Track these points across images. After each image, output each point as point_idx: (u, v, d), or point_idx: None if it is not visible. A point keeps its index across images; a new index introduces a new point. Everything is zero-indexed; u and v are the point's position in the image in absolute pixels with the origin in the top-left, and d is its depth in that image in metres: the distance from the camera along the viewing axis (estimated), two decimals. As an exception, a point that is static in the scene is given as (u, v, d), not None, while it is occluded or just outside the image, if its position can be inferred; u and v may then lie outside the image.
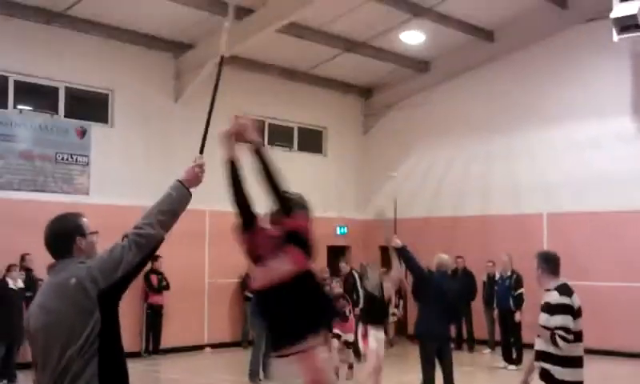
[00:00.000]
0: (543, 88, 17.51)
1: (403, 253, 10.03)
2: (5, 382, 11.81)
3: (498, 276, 15.34)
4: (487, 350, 16.41)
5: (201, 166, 3.79)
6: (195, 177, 3.76)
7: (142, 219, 3.55)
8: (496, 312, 15.11)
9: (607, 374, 13.03)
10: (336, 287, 12.96)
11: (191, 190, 3.79)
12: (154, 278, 15.26)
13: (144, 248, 3.50)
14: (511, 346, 14.44)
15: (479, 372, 14.48)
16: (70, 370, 3.36)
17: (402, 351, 16.82)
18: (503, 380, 12.67)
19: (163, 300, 15.49)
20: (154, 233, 3.53)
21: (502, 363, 14.41)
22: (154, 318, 15.47)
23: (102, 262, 3.47)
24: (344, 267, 15.95)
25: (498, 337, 15.87)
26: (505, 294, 14.70)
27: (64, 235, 3.57)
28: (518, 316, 14.21)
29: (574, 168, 16.83)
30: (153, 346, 15.49)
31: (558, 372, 5.97)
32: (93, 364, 3.37)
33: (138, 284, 14.62)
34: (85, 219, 3.68)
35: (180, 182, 3.70)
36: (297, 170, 18.93)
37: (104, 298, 3.40)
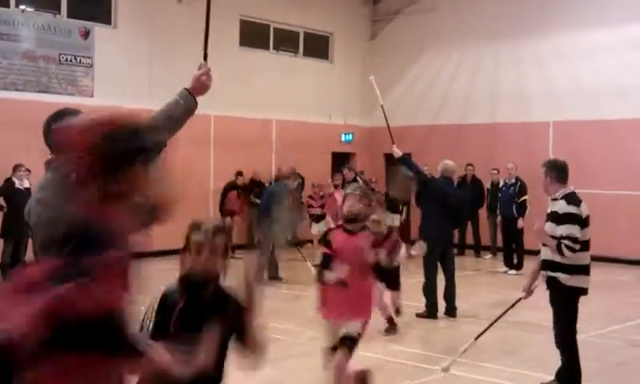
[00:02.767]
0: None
1: (404, 161, 10.03)
2: (14, 278, 12.04)
3: (502, 183, 15.36)
4: (489, 256, 16.62)
5: (207, 73, 3.70)
6: (202, 85, 3.68)
7: (148, 122, 3.53)
8: (499, 218, 15.21)
9: (612, 281, 13.20)
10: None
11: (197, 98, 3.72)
12: (233, 194, 15.49)
13: None
14: (513, 251, 14.60)
15: (481, 276, 14.69)
16: None
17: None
18: (503, 284, 12.86)
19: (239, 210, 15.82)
20: (159, 138, 3.49)
21: (503, 268, 14.61)
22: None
23: None
24: (347, 174, 15.98)
25: (499, 243, 16.07)
26: (509, 201, 14.76)
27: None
28: (520, 223, 14.30)
29: (583, 76, 16.62)
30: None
31: (564, 278, 5.99)
32: None
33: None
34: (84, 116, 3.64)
35: (187, 90, 3.63)
36: (302, 77, 18.85)
37: None
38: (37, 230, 3.51)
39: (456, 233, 13.93)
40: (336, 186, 16.12)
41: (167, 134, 3.54)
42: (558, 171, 6.21)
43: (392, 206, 16.35)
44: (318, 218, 16.63)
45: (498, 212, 15.31)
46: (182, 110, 3.59)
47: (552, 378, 6.44)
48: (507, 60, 17.95)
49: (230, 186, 15.83)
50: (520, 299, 6.59)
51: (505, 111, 17.86)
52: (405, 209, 17.26)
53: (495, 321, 6.96)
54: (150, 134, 3.44)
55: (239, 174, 15.88)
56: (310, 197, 17.20)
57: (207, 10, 3.91)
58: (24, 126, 12.61)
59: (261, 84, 17.64)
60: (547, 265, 6.11)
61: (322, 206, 16.76)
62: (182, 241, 3.26)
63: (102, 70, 14.92)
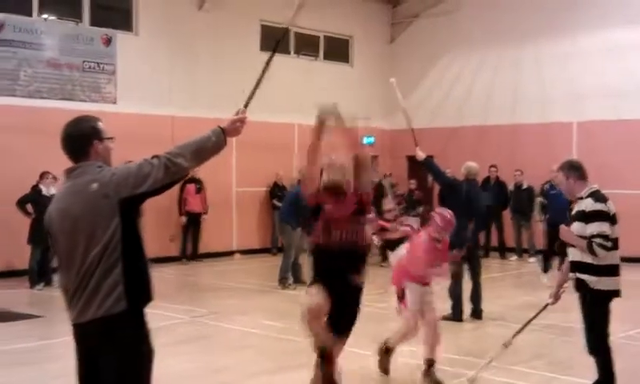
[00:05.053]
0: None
1: (427, 165, 9.97)
2: (42, 284, 12.17)
3: (547, 187, 14.68)
4: (514, 257, 16.50)
5: (243, 121, 3.77)
6: (236, 130, 3.76)
7: (177, 148, 3.55)
8: (543, 224, 14.59)
9: (638, 282, 13.04)
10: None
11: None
12: (191, 188, 15.40)
13: (171, 175, 3.50)
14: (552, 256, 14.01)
15: (507, 278, 14.61)
16: (95, 274, 3.41)
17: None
18: (529, 286, 12.77)
19: (201, 207, 15.69)
20: (185, 165, 3.53)
21: (542, 275, 14.03)
22: (192, 225, 15.74)
23: (128, 173, 3.47)
24: (373, 175, 15.93)
25: (525, 244, 16.00)
26: (561, 206, 14.02)
27: (81, 137, 3.57)
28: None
29: (605, 75, 16.48)
30: (192, 251, 15.81)
31: (593, 282, 5.78)
32: (117, 269, 3.41)
33: (174, 193, 14.81)
34: (101, 123, 3.66)
35: (222, 129, 3.67)
36: (323, 80, 18.85)
37: (123, 205, 3.42)
38: (58, 238, 3.57)
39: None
40: None
41: (192, 164, 3.58)
42: (577, 170, 6.04)
43: (412, 207, 16.33)
44: None
45: (545, 216, 14.39)
46: (211, 146, 3.64)
47: (582, 380, 6.34)
48: (528, 60, 17.84)
49: (187, 180, 14.92)
50: (547, 305, 6.47)
51: (526, 112, 17.75)
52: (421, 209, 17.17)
53: (522, 328, 6.85)
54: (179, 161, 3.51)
55: None
56: None
57: (266, 64, 3.98)
58: (49, 134, 12.70)
59: (281, 88, 17.65)
60: (576, 267, 5.92)
61: None
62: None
63: (125, 76, 15.03)
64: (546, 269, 13.77)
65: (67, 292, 3.55)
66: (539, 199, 13.90)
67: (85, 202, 3.44)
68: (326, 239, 5.58)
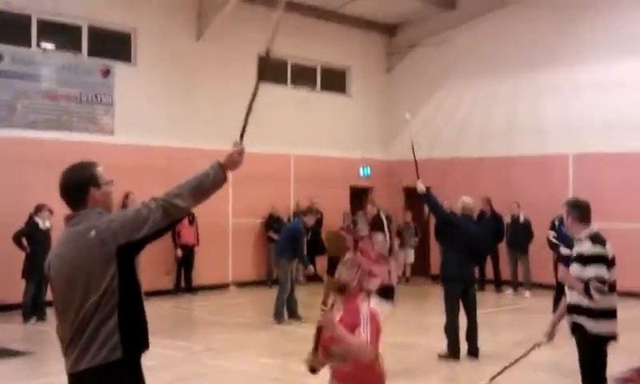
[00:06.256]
0: (572, 27, 17.10)
1: (427, 198, 9.99)
2: (34, 318, 12.08)
3: (557, 222, 14.30)
4: (509, 291, 16.45)
5: (240, 153, 3.70)
6: (234, 163, 3.68)
7: (175, 189, 3.51)
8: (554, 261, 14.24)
9: (636, 317, 12.98)
10: (362, 230, 12.95)
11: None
12: (184, 220, 15.31)
13: (170, 217, 3.47)
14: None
15: (503, 314, 14.55)
16: (91, 322, 3.37)
17: (424, 291, 16.92)
18: (526, 322, 12.70)
19: (194, 239, 15.66)
20: (183, 206, 3.49)
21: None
22: (185, 258, 15.68)
23: (125, 219, 3.44)
24: (371, 209, 15.96)
25: (520, 277, 15.98)
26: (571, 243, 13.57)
27: (77, 187, 3.54)
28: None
29: (601, 108, 16.53)
30: (185, 284, 15.76)
31: (590, 326, 5.77)
32: (113, 317, 3.38)
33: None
34: (99, 168, 3.61)
35: (220, 164, 3.62)
36: (320, 111, 18.92)
37: (121, 252, 3.39)
38: (56, 285, 3.54)
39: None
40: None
41: (191, 203, 3.54)
42: (579, 211, 6.02)
43: (405, 240, 16.33)
44: None
45: (557, 250, 13.28)
46: (210, 182, 3.58)
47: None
48: (524, 92, 17.91)
49: None
50: (540, 344, 6.39)
51: (523, 144, 17.79)
52: (413, 241, 17.15)
53: (511, 365, 6.80)
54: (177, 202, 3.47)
55: None
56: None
57: (253, 95, 3.95)
58: (46, 165, 12.74)
59: (278, 119, 17.72)
60: (573, 309, 5.90)
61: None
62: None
63: (122, 107, 15.05)
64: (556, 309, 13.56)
65: (64, 341, 3.51)
66: (552, 233, 13.49)
67: (82, 249, 3.42)
68: None
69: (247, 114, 3.90)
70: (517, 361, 6.78)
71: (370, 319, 4.12)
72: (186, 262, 15.75)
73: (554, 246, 13.05)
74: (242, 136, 3.81)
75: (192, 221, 15.53)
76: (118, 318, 3.38)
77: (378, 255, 9.74)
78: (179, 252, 15.51)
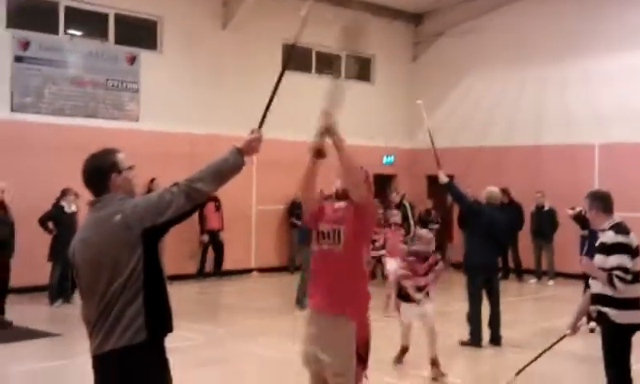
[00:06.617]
0: (600, 15, 16.90)
1: (450, 187, 9.97)
2: (60, 301, 12.27)
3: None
4: (533, 280, 16.38)
5: (258, 139, 3.79)
6: (252, 148, 3.77)
7: (196, 174, 3.58)
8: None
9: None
10: (394, 216, 12.91)
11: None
12: (211, 206, 15.49)
13: (193, 200, 3.54)
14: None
15: (525, 302, 14.49)
16: (116, 305, 3.44)
17: (445, 281, 16.84)
18: (548, 310, 12.65)
19: (219, 225, 15.77)
20: (205, 190, 3.57)
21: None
22: (213, 242, 15.81)
23: (149, 203, 3.51)
24: (395, 197, 15.90)
25: (544, 266, 15.90)
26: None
27: (98, 173, 3.61)
28: None
29: (628, 98, 16.34)
30: (215, 268, 15.91)
31: (614, 315, 5.74)
32: (138, 299, 3.44)
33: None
34: (120, 155, 3.68)
35: (238, 149, 3.70)
36: (344, 99, 18.87)
37: (146, 236, 3.46)
38: (81, 269, 3.60)
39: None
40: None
41: (212, 187, 3.61)
42: (602, 202, 6.02)
43: (426, 225, 16.26)
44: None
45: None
46: (229, 167, 3.67)
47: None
48: (552, 81, 17.75)
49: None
50: (565, 336, 6.40)
51: (549, 133, 17.65)
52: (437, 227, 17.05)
53: (537, 357, 6.79)
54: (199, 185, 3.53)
55: None
56: None
57: (276, 85, 3.99)
58: (72, 151, 12.89)
59: (303, 107, 17.70)
60: (597, 299, 5.88)
61: None
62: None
63: (148, 94, 15.17)
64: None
65: (89, 323, 3.58)
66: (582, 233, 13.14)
67: (108, 233, 3.48)
68: None
69: (269, 103, 3.95)
70: (542, 354, 6.77)
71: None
72: (215, 246, 15.87)
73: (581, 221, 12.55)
74: (261, 124, 3.87)
75: (218, 207, 15.64)
76: (143, 300, 3.44)
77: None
78: (206, 237, 15.64)
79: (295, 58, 18.16)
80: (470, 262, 9.80)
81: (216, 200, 15.49)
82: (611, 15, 16.73)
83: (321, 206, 4.68)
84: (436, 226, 16.54)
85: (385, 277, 12.89)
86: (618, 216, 6.06)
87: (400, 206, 15.39)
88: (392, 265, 11.07)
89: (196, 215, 15.21)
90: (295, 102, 17.60)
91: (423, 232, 9.27)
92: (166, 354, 3.59)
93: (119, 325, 3.43)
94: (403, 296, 8.41)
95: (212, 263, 16.07)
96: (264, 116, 3.90)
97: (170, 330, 3.61)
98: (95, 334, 3.52)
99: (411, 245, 9.04)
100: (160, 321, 3.54)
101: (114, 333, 3.43)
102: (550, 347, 6.69)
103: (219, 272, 15.92)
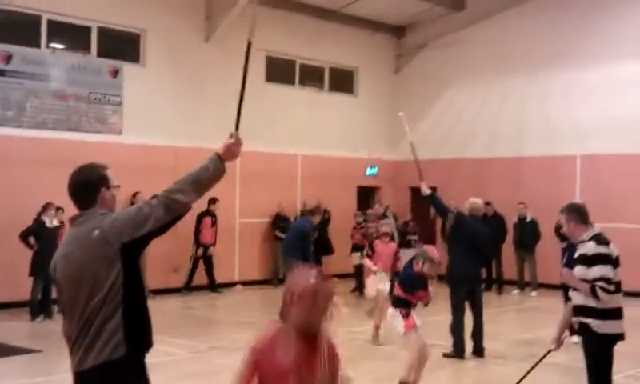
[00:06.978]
0: (581, 28, 17.08)
1: (432, 200, 10.02)
2: (42, 316, 12.17)
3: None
4: (516, 291, 16.45)
5: (238, 144, 3.75)
6: (232, 153, 3.72)
7: (175, 184, 3.54)
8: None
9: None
10: (383, 226, 12.63)
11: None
12: (207, 221, 15.51)
13: (172, 212, 3.50)
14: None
15: (507, 313, 14.56)
16: (96, 320, 3.43)
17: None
18: (530, 322, 12.72)
19: (212, 239, 15.75)
20: (185, 200, 3.52)
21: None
22: (205, 257, 15.79)
23: (128, 217, 3.49)
24: (378, 208, 15.91)
25: (527, 277, 15.99)
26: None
27: (87, 186, 3.61)
28: None
29: (610, 109, 16.51)
30: (209, 282, 15.88)
31: (596, 325, 5.76)
32: (117, 314, 3.43)
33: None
34: (109, 171, 3.70)
35: (218, 155, 3.66)
36: (328, 111, 18.96)
37: (125, 250, 3.45)
38: (62, 285, 3.58)
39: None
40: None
41: (193, 197, 3.56)
42: (578, 214, 6.02)
43: (404, 237, 16.24)
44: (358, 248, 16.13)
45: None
46: (209, 175, 3.61)
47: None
48: (533, 93, 17.91)
49: (204, 213, 15.41)
50: (550, 351, 6.42)
51: (531, 145, 17.79)
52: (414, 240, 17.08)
53: (524, 376, 6.81)
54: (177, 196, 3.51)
55: (212, 201, 15.15)
56: (354, 228, 16.76)
57: (242, 85, 3.99)
58: (55, 165, 12.85)
59: (286, 119, 17.81)
60: (579, 310, 5.89)
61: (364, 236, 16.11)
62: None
63: (131, 107, 15.13)
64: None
65: (69, 339, 3.57)
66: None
67: (87, 249, 3.48)
68: None
69: (240, 104, 3.95)
70: (530, 371, 6.77)
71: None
72: (205, 260, 15.82)
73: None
74: (237, 126, 3.85)
75: (214, 222, 15.70)
76: (122, 315, 3.43)
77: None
78: (200, 251, 15.64)
79: (278, 71, 18.22)
80: (453, 273, 9.84)
81: (213, 215, 15.51)
82: (592, 28, 16.92)
83: None
84: (414, 238, 16.55)
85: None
86: (598, 227, 6.11)
87: (383, 217, 15.39)
88: (375, 283, 10.86)
89: (191, 229, 15.21)
90: (279, 114, 17.68)
91: (435, 253, 7.96)
92: (146, 369, 3.58)
93: (99, 340, 3.42)
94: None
95: (200, 277, 15.99)
96: (238, 118, 3.89)
97: (150, 344, 3.60)
98: (76, 350, 3.50)
99: (416, 263, 7.81)
100: (139, 335, 3.53)
101: (94, 348, 3.42)
102: (537, 363, 6.68)
103: (214, 285, 15.86)
